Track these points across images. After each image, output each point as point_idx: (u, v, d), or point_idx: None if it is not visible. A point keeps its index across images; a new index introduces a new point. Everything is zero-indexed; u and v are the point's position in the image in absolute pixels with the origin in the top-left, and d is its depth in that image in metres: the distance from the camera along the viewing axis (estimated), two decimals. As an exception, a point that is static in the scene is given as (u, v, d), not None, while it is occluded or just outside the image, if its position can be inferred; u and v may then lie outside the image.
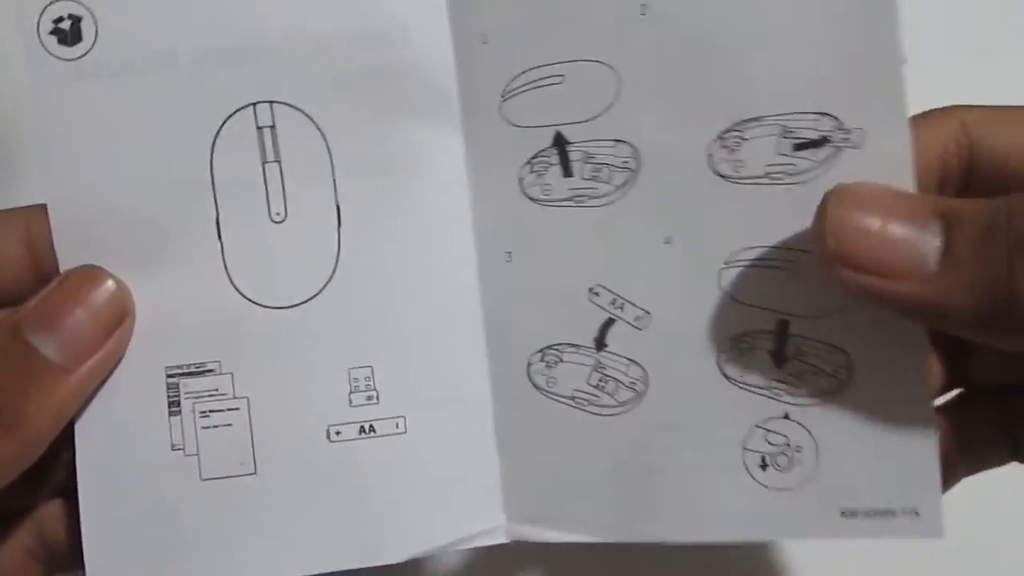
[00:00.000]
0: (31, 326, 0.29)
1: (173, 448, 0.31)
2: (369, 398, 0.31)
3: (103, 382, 0.31)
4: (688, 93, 0.29)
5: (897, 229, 0.26)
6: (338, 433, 0.31)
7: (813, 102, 0.28)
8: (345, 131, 0.31)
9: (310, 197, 0.31)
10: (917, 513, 0.28)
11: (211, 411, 0.31)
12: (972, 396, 0.32)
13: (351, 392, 0.31)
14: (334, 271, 0.31)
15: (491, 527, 0.31)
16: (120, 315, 0.30)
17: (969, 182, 0.29)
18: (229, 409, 0.31)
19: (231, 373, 0.31)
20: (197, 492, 0.31)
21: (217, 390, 0.31)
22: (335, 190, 0.31)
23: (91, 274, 0.30)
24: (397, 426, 0.31)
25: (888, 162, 0.28)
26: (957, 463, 0.30)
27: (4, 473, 0.29)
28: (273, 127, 0.31)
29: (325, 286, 0.31)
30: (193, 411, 0.31)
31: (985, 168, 0.29)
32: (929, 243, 0.25)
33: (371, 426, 0.31)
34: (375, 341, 0.31)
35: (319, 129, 0.31)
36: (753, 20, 0.29)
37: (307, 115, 0.31)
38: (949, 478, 0.29)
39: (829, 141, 0.28)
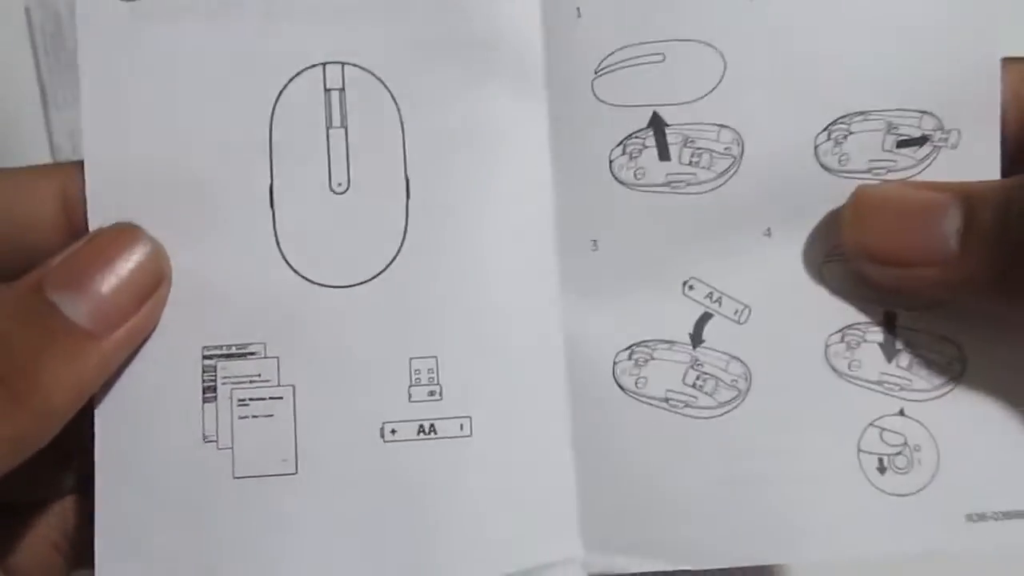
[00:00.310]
0: (55, 284, 0.25)
1: (205, 440, 0.26)
2: (432, 394, 0.27)
3: (130, 358, 0.26)
4: (796, 82, 0.28)
5: (914, 218, 0.26)
6: (394, 432, 0.27)
7: (918, 100, 0.28)
8: (420, 100, 0.28)
9: (377, 167, 0.28)
10: None
11: (251, 399, 0.27)
12: None
13: (411, 385, 0.28)
14: (399, 249, 0.28)
15: (566, 557, 0.27)
16: (155, 281, 0.26)
17: None
18: (272, 398, 0.27)
19: (276, 357, 0.27)
20: (229, 491, 0.26)
21: (259, 376, 0.27)
22: (405, 161, 0.28)
23: (125, 232, 0.26)
24: (462, 428, 0.27)
25: (979, 163, 0.28)
26: None
27: (12, 452, 0.24)
28: (343, 90, 0.28)
29: (388, 265, 0.28)
30: (231, 398, 0.27)
31: None
32: (949, 226, 0.26)
33: (432, 426, 0.27)
34: (442, 329, 0.28)
35: (392, 96, 0.28)
36: (862, 14, 0.28)
37: (380, 80, 0.28)
38: None
39: (930, 140, 0.28)
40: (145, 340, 0.27)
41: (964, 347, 0.28)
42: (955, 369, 0.28)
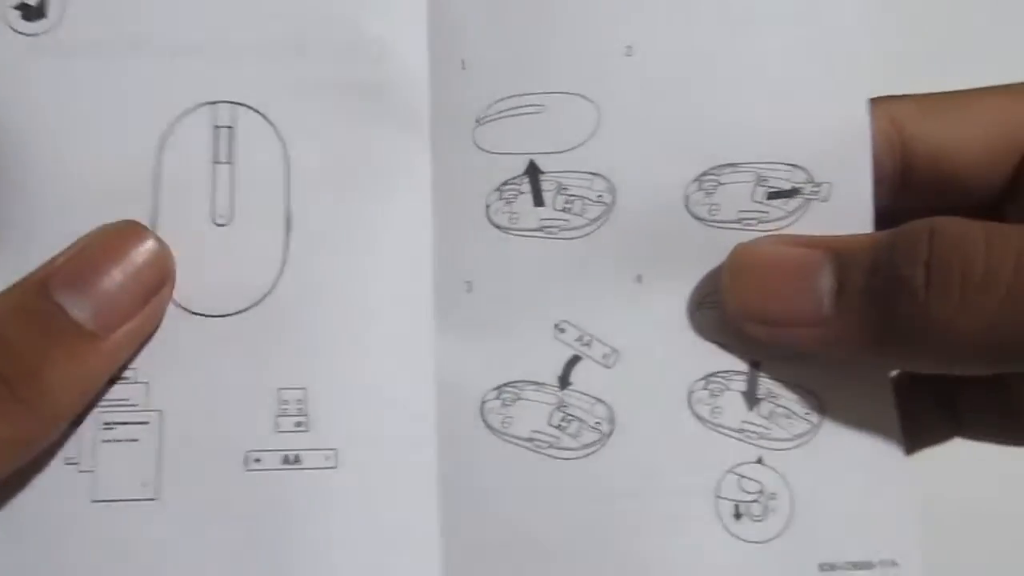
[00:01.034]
0: (61, 284, 0.25)
1: (67, 462, 0.27)
2: (298, 424, 0.28)
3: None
4: (668, 133, 0.29)
5: (788, 278, 0.27)
6: (258, 461, 0.27)
7: (787, 153, 0.29)
8: (307, 140, 0.29)
9: (260, 202, 0.29)
10: (896, 563, 0.26)
11: (116, 423, 0.27)
12: (903, 374, 0.31)
13: (278, 415, 0.28)
14: (276, 281, 0.29)
15: None
16: (160, 279, 0.27)
17: (906, 183, 0.29)
18: (138, 422, 0.27)
19: (146, 383, 0.27)
20: (86, 514, 0.26)
21: (127, 400, 0.27)
22: (288, 198, 0.29)
23: (132, 229, 0.27)
24: (327, 459, 0.28)
25: (851, 216, 0.28)
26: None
27: (17, 454, 0.24)
28: (231, 128, 0.29)
29: (264, 297, 0.28)
30: (97, 421, 0.27)
31: (921, 168, 0.28)
32: (823, 285, 0.26)
33: (297, 456, 0.27)
34: (313, 361, 0.28)
35: (279, 135, 0.29)
36: (733, 68, 0.29)
37: (269, 120, 0.29)
38: None
39: (800, 192, 0.28)
40: (149, 337, 0.27)
41: (823, 398, 0.28)
42: (813, 420, 0.28)
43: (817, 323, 0.26)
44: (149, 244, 0.27)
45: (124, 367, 0.27)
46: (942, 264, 0.24)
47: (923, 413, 0.32)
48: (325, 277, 0.28)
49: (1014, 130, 0.28)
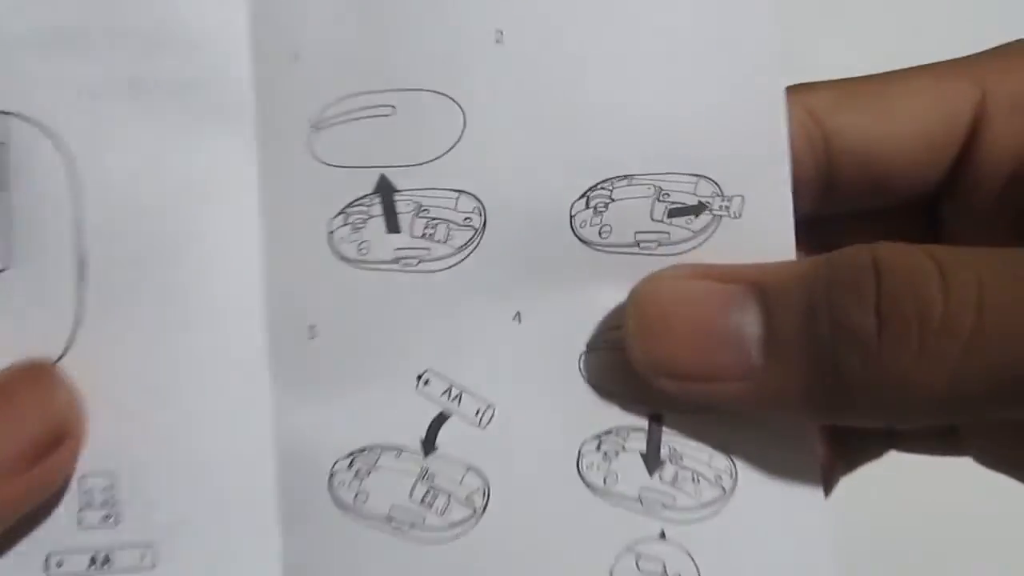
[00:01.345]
0: None
1: None
2: (106, 518, 0.23)
3: None
4: (549, 139, 0.24)
5: (710, 325, 0.22)
6: (60, 565, 0.23)
7: (690, 162, 0.24)
8: (101, 158, 0.23)
9: (44, 240, 0.23)
10: None
11: None
12: None
13: (81, 509, 0.23)
14: (70, 343, 0.23)
15: None
16: (56, 435, 0.22)
17: (829, 185, 0.25)
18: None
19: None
20: None
21: None
22: (78, 232, 0.23)
23: (34, 371, 0.22)
24: (143, 558, 0.23)
25: (768, 235, 0.24)
26: (833, 465, 0.27)
27: None
28: (4, 144, 0.23)
29: (57, 362, 0.23)
30: None
31: (846, 167, 0.24)
32: (748, 332, 0.22)
33: (106, 556, 0.23)
34: (120, 439, 0.23)
35: (64, 151, 0.23)
36: (626, 62, 0.24)
37: (50, 132, 0.23)
38: (828, 481, 0.25)
39: (707, 208, 0.24)
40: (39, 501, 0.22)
41: (737, 459, 0.24)
42: (724, 484, 0.24)
43: (742, 376, 0.22)
44: (48, 389, 0.22)
45: None
46: (895, 308, 0.20)
47: (855, 430, 0.28)
48: (131, 332, 0.23)
49: (950, 116, 0.24)
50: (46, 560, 0.23)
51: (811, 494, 0.24)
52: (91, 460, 0.23)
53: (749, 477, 0.24)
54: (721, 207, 0.24)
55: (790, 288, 0.22)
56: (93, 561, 0.23)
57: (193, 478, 0.23)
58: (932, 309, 0.20)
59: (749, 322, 0.22)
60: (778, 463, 0.24)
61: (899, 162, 0.24)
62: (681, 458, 0.24)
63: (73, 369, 0.23)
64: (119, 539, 0.23)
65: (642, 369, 0.23)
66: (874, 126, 0.24)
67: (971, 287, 0.20)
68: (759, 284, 0.22)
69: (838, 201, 0.25)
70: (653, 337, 0.23)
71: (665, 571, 0.23)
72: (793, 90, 0.24)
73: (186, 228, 0.24)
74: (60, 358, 0.23)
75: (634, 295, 0.23)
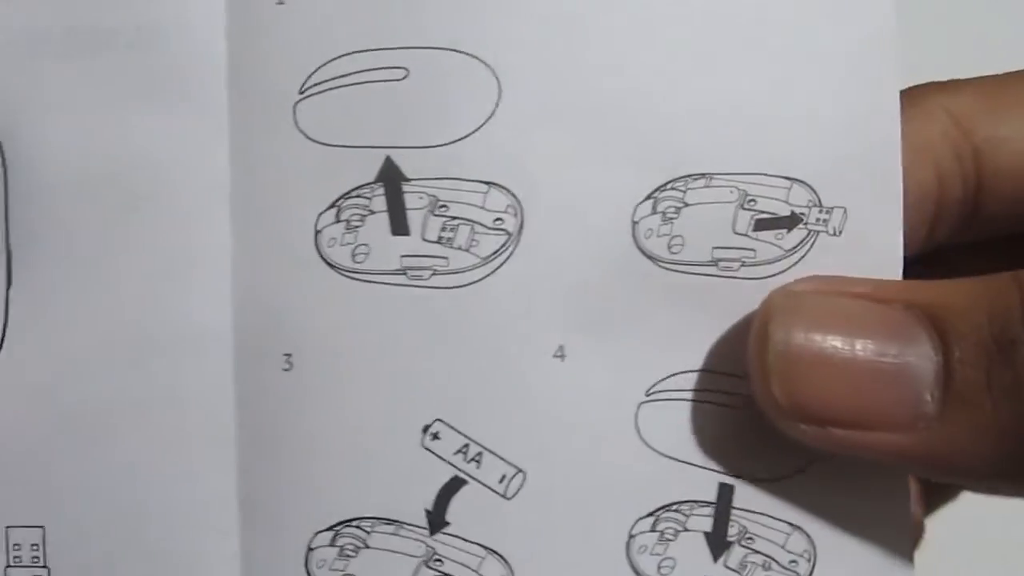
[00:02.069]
0: None
1: None
2: None
3: None
4: (607, 123, 0.18)
5: (872, 357, 0.17)
6: None
7: (784, 161, 0.19)
8: (32, 127, 0.18)
9: None
10: None
11: None
12: None
13: (9, 566, 0.18)
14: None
15: None
16: None
17: (979, 208, 0.20)
18: None
19: None
20: None
21: None
22: (6, 225, 0.18)
23: None
24: None
25: (873, 257, 0.19)
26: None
27: None
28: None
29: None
30: None
31: (1002, 187, 0.20)
32: (920, 368, 0.17)
33: None
34: (50, 486, 0.18)
35: None
36: (708, 35, 0.19)
37: None
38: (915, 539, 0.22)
39: (802, 220, 0.18)
40: None
41: (817, 540, 0.19)
42: (801, 571, 0.19)
43: (910, 425, 0.17)
44: None
45: None
46: None
47: None
48: (63, 352, 0.18)
49: None
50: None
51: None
52: (19, 509, 0.18)
53: (830, 563, 0.18)
54: (819, 220, 0.19)
55: (972, 311, 0.17)
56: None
57: (139, 537, 0.19)
58: None
59: (921, 355, 0.17)
60: (866, 546, 0.19)
61: None
62: (752, 540, 0.19)
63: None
64: None
65: (778, 412, 0.18)
66: None
67: None
68: (926, 306, 0.17)
69: (984, 228, 0.20)
70: (796, 371, 0.17)
71: None
72: (931, 90, 0.20)
73: (137, 219, 0.18)
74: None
75: (768, 311, 0.18)
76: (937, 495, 0.27)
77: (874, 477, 0.19)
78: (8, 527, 0.18)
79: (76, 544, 0.18)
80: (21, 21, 0.18)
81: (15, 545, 0.18)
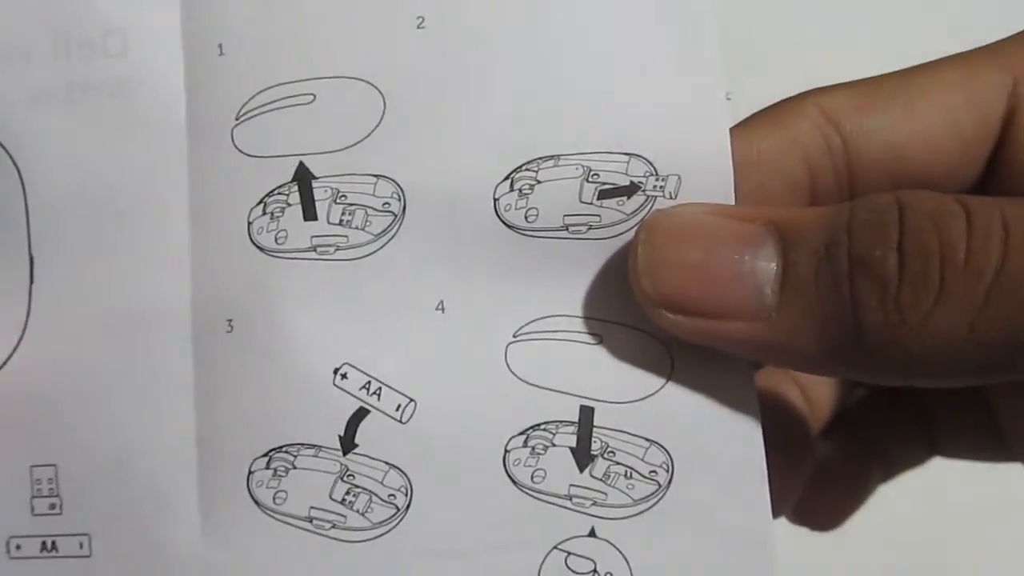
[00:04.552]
0: None
1: None
2: (52, 507, 0.24)
3: None
4: (471, 122, 0.23)
5: (724, 258, 0.21)
6: (19, 547, 0.24)
7: (621, 140, 0.22)
8: (44, 160, 0.24)
9: (3, 242, 0.24)
10: None
11: None
12: (874, 396, 0.29)
13: (34, 496, 0.24)
14: (19, 342, 0.24)
15: None
16: None
17: (853, 195, 0.22)
18: None
19: None
20: None
21: None
22: (28, 236, 0.24)
23: None
24: (81, 547, 0.24)
25: None
26: (868, 473, 0.27)
27: None
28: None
29: (6, 361, 0.24)
30: None
31: (871, 176, 0.22)
32: (764, 269, 0.20)
33: (53, 543, 0.24)
34: (61, 433, 0.24)
35: (11, 157, 0.24)
36: (550, 39, 0.23)
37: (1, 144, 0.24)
38: (861, 492, 0.27)
39: (640, 188, 0.22)
40: None
41: (674, 453, 0.22)
42: (660, 479, 0.22)
43: (754, 316, 0.20)
44: None
45: None
46: (917, 245, 0.19)
47: (896, 435, 0.28)
48: (72, 331, 0.24)
49: (981, 108, 0.22)
50: (7, 543, 0.24)
51: (755, 492, 0.21)
52: (39, 451, 0.24)
53: (687, 472, 0.22)
54: (656, 187, 0.22)
55: (810, 227, 0.20)
56: (44, 546, 0.24)
57: (122, 476, 0.23)
58: (956, 246, 0.19)
59: (765, 258, 0.20)
60: (720, 459, 0.22)
61: (929, 163, 0.22)
62: (614, 453, 0.22)
63: (23, 362, 0.24)
64: (62, 527, 0.23)
65: (648, 303, 0.21)
66: (898, 126, 0.22)
67: (996, 226, 0.19)
68: (777, 222, 0.21)
69: None
70: (663, 268, 0.21)
71: (596, 570, 0.22)
72: (809, 92, 0.22)
73: (122, 227, 0.24)
74: (11, 355, 0.24)
75: (646, 225, 0.22)
76: (899, 458, 0.29)
77: (721, 392, 0.22)
78: (32, 466, 0.24)
79: (79, 479, 0.23)
80: (33, 80, 0.24)
81: (36, 480, 0.24)
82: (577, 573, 0.22)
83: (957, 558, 0.35)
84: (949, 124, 0.22)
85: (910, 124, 0.22)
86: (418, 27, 0.23)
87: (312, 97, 0.23)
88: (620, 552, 0.22)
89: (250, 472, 0.23)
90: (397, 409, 0.23)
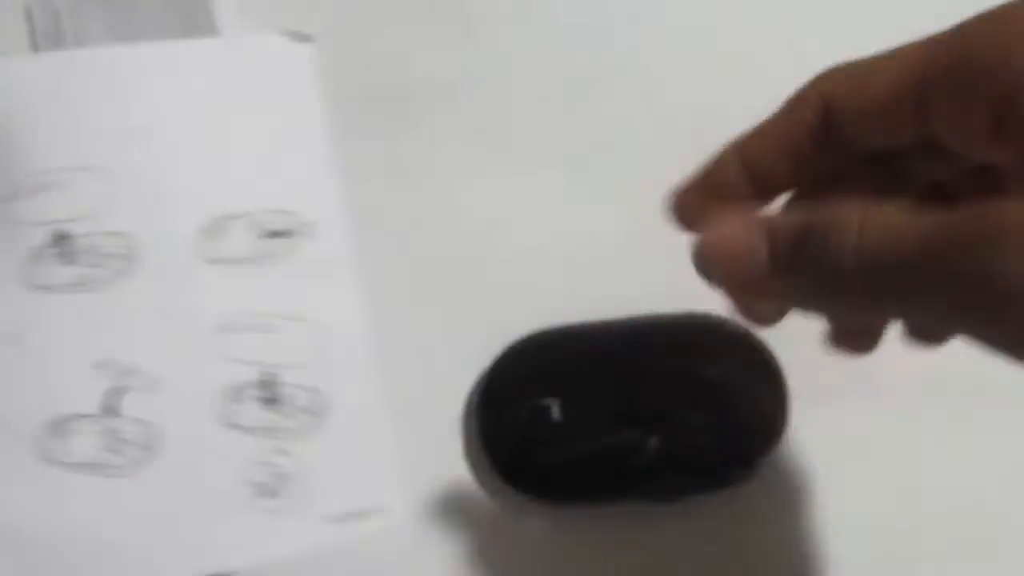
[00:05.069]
0: None
1: None
2: None
3: None
4: (177, 194, 0.35)
5: (739, 247, 0.26)
6: None
7: (275, 200, 0.36)
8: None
9: None
10: (383, 509, 0.35)
11: None
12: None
13: None
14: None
15: None
16: None
17: (830, 134, 0.27)
18: None
19: None
20: None
21: None
22: None
23: None
24: None
25: (333, 249, 0.37)
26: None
27: None
28: None
29: None
30: None
31: (844, 107, 0.27)
32: (761, 251, 0.26)
33: None
34: None
35: None
36: (205, 139, 0.37)
37: None
38: None
39: (292, 232, 0.36)
40: None
41: (325, 392, 0.36)
42: (318, 411, 0.35)
43: (751, 275, 0.26)
44: None
45: None
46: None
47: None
48: None
49: (907, 70, 0.25)
50: None
51: (371, 411, 0.36)
52: None
53: (336, 408, 0.35)
54: (304, 229, 0.36)
55: (790, 226, 0.25)
56: None
57: None
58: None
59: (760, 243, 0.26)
60: (356, 397, 0.36)
61: (876, 114, 0.26)
62: (293, 398, 0.35)
63: None
64: None
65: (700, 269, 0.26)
66: (861, 86, 0.26)
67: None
68: (772, 224, 0.25)
69: (842, 150, 0.27)
70: (707, 251, 0.26)
71: (280, 472, 0.35)
72: (816, 80, 0.27)
73: None
74: None
75: (706, 232, 0.26)
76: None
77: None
78: None
79: None
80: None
81: None
82: (270, 470, 0.35)
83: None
84: (890, 81, 0.25)
85: (868, 82, 0.26)
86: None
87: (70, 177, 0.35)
88: (296, 459, 0.35)
89: (37, 438, 0.34)
90: (144, 384, 0.35)
